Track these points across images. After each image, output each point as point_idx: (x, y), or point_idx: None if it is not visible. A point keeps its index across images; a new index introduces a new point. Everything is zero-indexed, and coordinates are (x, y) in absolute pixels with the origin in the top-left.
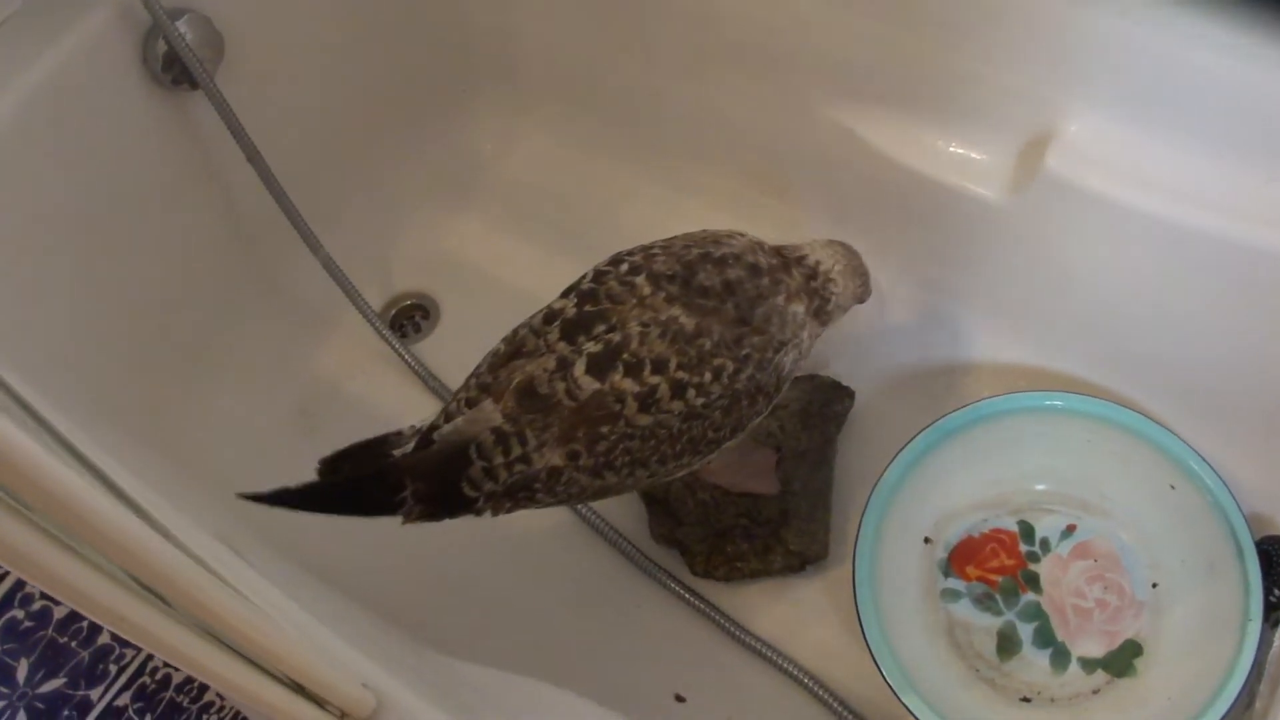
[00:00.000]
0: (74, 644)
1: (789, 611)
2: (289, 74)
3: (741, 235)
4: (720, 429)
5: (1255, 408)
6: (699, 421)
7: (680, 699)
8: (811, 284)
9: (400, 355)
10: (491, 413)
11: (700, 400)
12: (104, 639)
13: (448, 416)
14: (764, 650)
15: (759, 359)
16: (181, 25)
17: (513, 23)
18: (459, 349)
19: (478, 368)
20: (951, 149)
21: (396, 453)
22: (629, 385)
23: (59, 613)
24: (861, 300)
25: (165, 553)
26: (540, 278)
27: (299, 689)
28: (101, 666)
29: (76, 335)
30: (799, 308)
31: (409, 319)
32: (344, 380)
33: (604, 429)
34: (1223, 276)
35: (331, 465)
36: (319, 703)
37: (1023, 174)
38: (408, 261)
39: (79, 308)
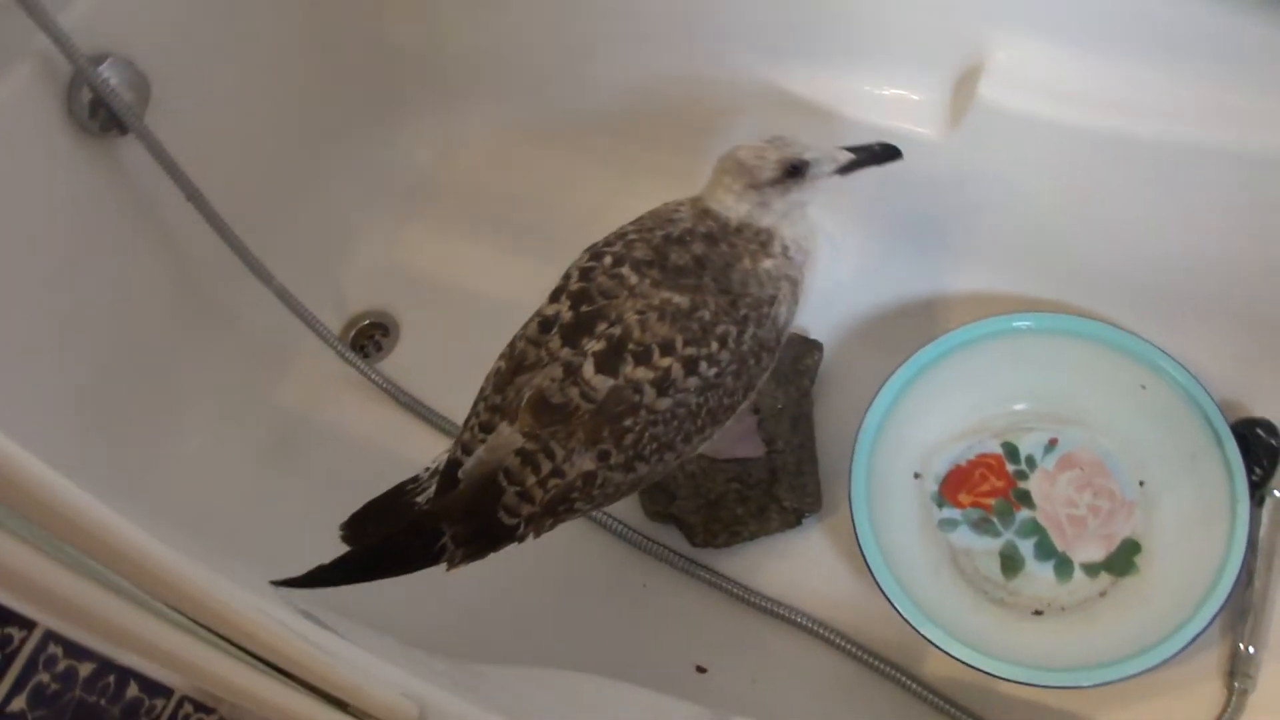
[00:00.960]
0: (103, 701)
1: (793, 566)
2: (218, 108)
3: (682, 204)
4: (734, 393)
5: (1211, 299)
6: (715, 391)
7: (701, 670)
8: (753, 232)
9: (367, 376)
10: (511, 435)
11: (713, 370)
12: (132, 692)
13: (465, 448)
14: (775, 609)
15: (756, 316)
16: (104, 70)
17: (435, 26)
18: (425, 361)
19: (482, 389)
20: (887, 93)
21: (420, 499)
22: (643, 374)
23: (84, 670)
24: (786, 161)
25: (207, 583)
26: (497, 279)
27: (342, 706)
28: None
29: (28, 394)
30: (767, 262)
31: (369, 339)
32: (313, 409)
33: (627, 422)
34: (1161, 178)
35: (355, 527)
36: (365, 718)
37: (959, 107)
38: (361, 281)
39: (28, 366)
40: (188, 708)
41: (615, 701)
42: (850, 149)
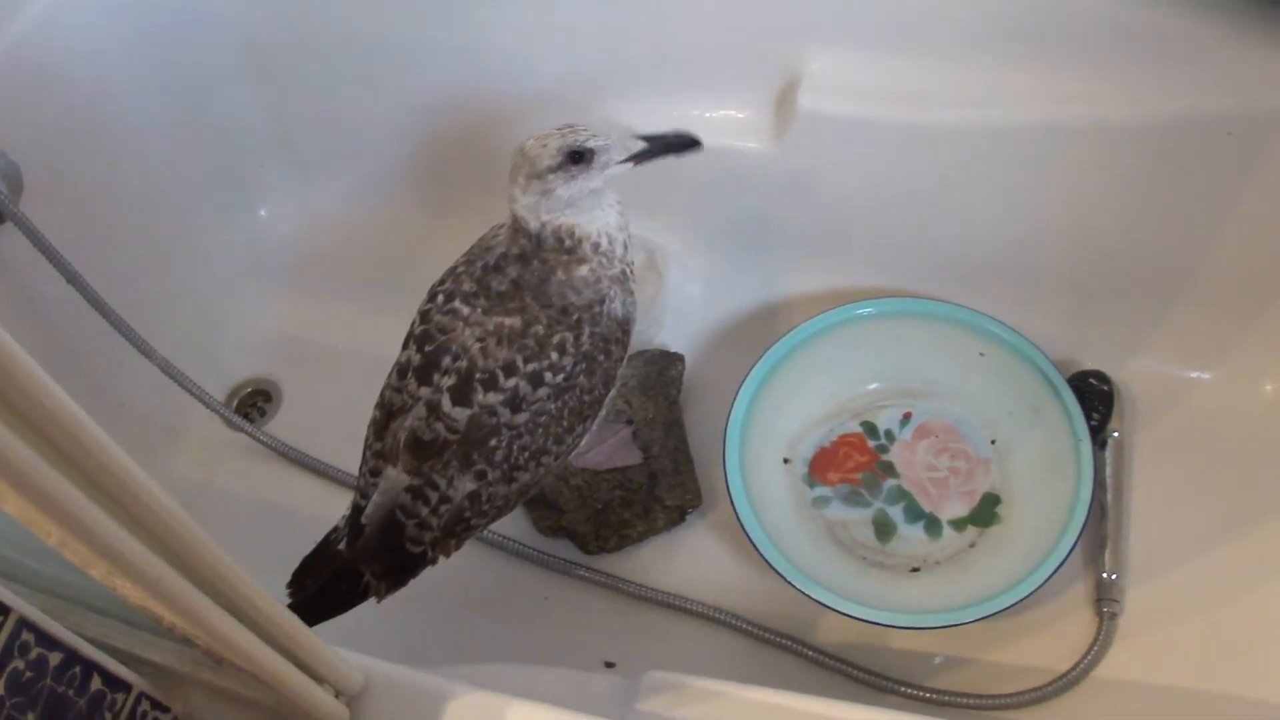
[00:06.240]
0: (70, 692)
1: (684, 559)
2: (90, 193)
3: (501, 226)
4: (593, 389)
5: (1036, 267)
6: (571, 392)
7: (610, 665)
8: (557, 239)
9: (255, 437)
10: (397, 476)
11: (559, 376)
12: (96, 685)
13: (363, 494)
14: (672, 600)
15: (590, 317)
16: None
17: (285, 104)
18: (308, 420)
19: (366, 439)
20: (717, 114)
21: (340, 547)
22: (494, 397)
23: (54, 659)
24: (567, 147)
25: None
26: (367, 336)
27: (301, 665)
28: (97, 714)
29: None
30: (583, 269)
31: (253, 405)
32: (208, 479)
33: (493, 442)
34: (975, 160)
35: (298, 582)
36: (317, 679)
37: (782, 119)
38: (239, 352)
39: None
40: (145, 705)
41: (541, 681)
42: (645, 137)
